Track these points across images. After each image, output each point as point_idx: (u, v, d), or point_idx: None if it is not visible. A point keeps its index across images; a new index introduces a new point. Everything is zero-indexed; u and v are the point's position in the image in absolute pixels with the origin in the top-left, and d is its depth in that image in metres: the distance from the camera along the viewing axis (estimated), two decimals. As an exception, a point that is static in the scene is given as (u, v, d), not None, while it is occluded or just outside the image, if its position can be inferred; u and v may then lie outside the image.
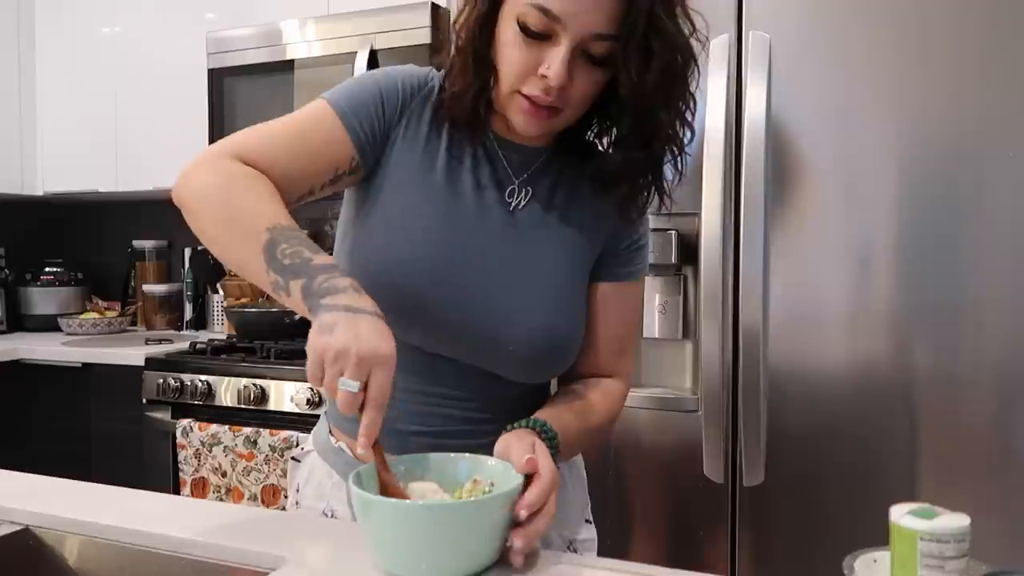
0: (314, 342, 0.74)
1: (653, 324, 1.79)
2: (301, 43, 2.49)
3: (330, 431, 1.04)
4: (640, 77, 0.85)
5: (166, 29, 2.85)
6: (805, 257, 1.62)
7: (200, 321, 3.15)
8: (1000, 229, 1.49)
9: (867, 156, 1.57)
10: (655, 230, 1.75)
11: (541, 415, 0.92)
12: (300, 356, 2.32)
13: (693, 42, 0.88)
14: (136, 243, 3.26)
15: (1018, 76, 1.48)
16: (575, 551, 1.03)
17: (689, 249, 1.76)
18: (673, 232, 1.75)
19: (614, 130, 0.94)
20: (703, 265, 1.65)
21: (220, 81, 2.62)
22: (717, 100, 1.64)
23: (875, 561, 0.68)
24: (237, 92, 2.60)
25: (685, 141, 0.93)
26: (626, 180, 0.94)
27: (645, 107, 0.88)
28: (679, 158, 0.94)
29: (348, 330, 0.73)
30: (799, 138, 1.63)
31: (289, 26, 2.51)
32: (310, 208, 0.99)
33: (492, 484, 0.80)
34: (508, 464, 0.81)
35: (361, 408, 0.74)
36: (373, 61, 2.36)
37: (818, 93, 1.62)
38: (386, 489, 0.78)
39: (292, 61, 2.50)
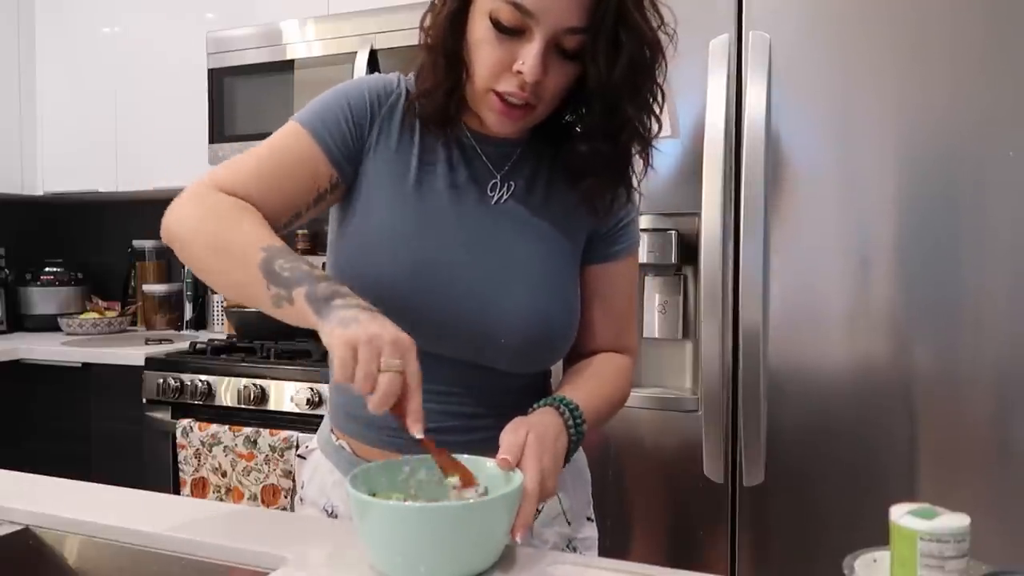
0: (340, 334, 0.74)
1: (653, 324, 1.79)
2: (301, 43, 2.49)
3: (331, 430, 1.04)
4: (608, 70, 0.86)
5: (166, 29, 2.84)
6: (805, 257, 1.62)
7: (200, 321, 3.15)
8: (1000, 229, 1.49)
9: (867, 156, 1.57)
10: (655, 230, 1.75)
11: (562, 392, 0.94)
12: (300, 356, 2.32)
13: (661, 35, 0.88)
14: (136, 243, 3.25)
15: (1017, 76, 1.48)
16: (575, 550, 1.03)
17: (689, 249, 1.75)
18: (673, 232, 1.75)
19: (582, 122, 0.94)
20: (703, 265, 1.65)
21: (220, 81, 2.62)
22: (717, 100, 1.64)
23: (875, 561, 0.68)
24: (237, 92, 2.60)
25: (652, 134, 0.93)
26: (593, 173, 0.94)
27: (613, 99, 0.88)
28: (647, 151, 0.94)
29: (372, 321, 0.75)
30: (799, 138, 1.63)
31: (289, 26, 2.51)
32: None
33: (487, 488, 0.80)
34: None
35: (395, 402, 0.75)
36: (373, 61, 2.36)
37: (818, 93, 1.62)
38: (455, 471, 0.80)
39: (292, 61, 2.50)
